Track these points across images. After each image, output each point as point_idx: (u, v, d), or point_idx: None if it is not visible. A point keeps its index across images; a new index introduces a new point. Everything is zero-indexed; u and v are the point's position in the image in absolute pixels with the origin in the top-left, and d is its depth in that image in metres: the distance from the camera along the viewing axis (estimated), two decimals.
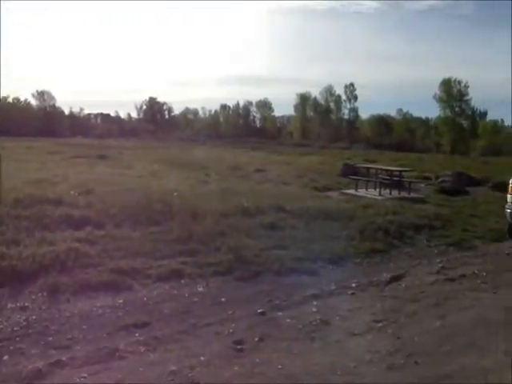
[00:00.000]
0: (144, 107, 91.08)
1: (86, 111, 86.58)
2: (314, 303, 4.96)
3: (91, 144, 35.01)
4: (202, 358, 3.65)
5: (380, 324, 4.48)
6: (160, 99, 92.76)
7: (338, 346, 4.00)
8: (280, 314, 4.67)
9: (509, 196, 8.58)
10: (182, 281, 5.44)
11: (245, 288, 5.34)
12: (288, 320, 4.51)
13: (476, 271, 6.46)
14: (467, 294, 5.53)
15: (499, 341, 4.24)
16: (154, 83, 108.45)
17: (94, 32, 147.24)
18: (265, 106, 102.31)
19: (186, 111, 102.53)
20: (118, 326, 4.29)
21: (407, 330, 4.39)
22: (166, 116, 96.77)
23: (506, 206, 8.58)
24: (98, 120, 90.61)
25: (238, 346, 3.91)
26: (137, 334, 4.11)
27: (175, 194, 9.31)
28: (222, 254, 6.16)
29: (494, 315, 4.86)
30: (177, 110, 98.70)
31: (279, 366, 3.60)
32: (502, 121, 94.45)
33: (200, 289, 5.28)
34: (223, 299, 4.99)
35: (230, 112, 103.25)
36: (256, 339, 4.05)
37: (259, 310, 4.70)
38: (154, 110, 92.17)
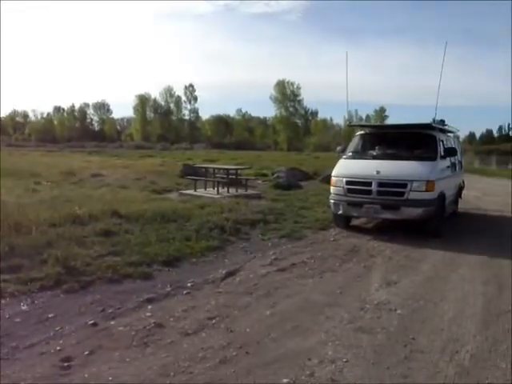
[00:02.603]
0: None
1: None
2: (149, 307, 4.87)
3: None
4: None
5: (214, 320, 4.56)
6: None
7: (171, 347, 3.98)
8: (113, 322, 4.49)
9: (332, 188, 9.36)
10: (3, 301, 4.94)
11: (75, 300, 5.03)
12: (121, 328, 4.36)
13: (305, 259, 6.93)
14: (296, 281, 5.91)
15: (321, 321, 4.61)
16: None
17: None
18: (102, 107, 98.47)
19: (14, 114, 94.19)
20: None
21: (240, 322, 4.54)
22: None
23: (330, 197, 9.36)
24: None
25: (66, 364, 3.66)
26: None
27: None
28: (49, 267, 5.72)
29: (318, 298, 5.28)
30: (2, 113, 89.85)
31: (110, 378, 3.46)
32: (331, 119, 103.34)
33: (24, 307, 4.84)
34: (51, 315, 4.64)
35: (65, 114, 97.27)
36: (86, 353, 3.84)
37: (90, 322, 4.47)
38: None
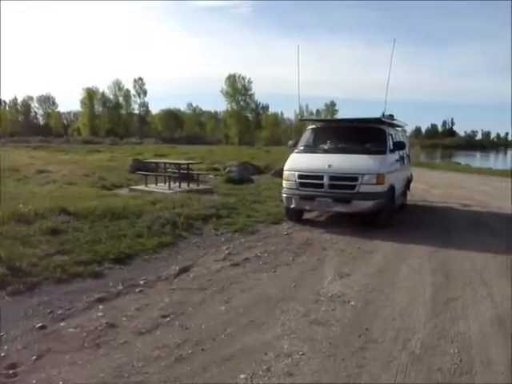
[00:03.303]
0: None
1: None
2: (100, 307, 4.73)
3: None
4: None
5: (168, 318, 4.48)
6: None
7: (125, 348, 3.87)
8: (62, 324, 4.33)
9: (284, 182, 9.41)
10: None
11: (21, 303, 4.81)
12: (71, 330, 4.20)
13: (259, 254, 6.94)
14: (250, 275, 5.90)
15: (277, 315, 4.61)
16: None
17: None
18: (47, 101, 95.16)
19: None
20: None
21: (194, 319, 4.48)
22: None
23: (282, 192, 9.41)
24: None
25: (11, 371, 3.49)
26: None
27: None
28: None
29: (273, 292, 5.29)
30: None
31: (60, 383, 3.33)
32: (282, 113, 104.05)
33: None
34: None
35: (7, 108, 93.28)
36: (34, 358, 3.68)
37: (38, 325, 4.28)
38: None
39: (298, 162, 9.42)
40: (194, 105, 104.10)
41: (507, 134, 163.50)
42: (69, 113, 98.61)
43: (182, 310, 4.68)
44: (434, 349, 3.95)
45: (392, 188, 9.20)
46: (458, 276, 6.06)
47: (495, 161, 61.85)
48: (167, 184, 13.21)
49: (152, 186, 13.29)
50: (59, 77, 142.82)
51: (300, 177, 9.03)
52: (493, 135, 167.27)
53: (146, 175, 13.84)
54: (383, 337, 4.15)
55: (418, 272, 6.22)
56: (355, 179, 8.56)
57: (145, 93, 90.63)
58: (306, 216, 9.97)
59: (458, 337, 4.19)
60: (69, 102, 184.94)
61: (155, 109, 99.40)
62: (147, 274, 5.77)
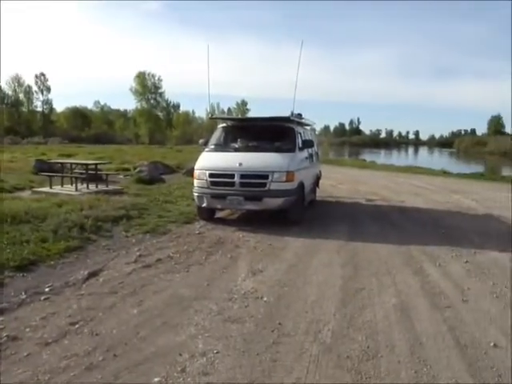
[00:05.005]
0: None
1: None
2: (0, 319, 4.41)
3: None
4: None
5: (77, 325, 4.28)
6: None
7: (29, 361, 3.63)
8: None
9: (195, 181, 9.35)
10: None
11: None
12: None
13: (171, 254, 6.84)
14: (162, 277, 5.80)
15: (191, 315, 4.57)
16: None
17: None
18: None
19: None
20: None
21: (105, 324, 4.32)
22: None
23: (194, 191, 9.35)
24: None
25: None
26: None
27: None
28: None
29: (186, 292, 5.23)
30: None
31: None
32: (193, 112, 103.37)
33: None
34: None
35: None
36: None
37: None
38: None
39: (209, 160, 9.40)
40: (102, 103, 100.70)
41: (408, 132, 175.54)
42: None
43: (91, 316, 4.49)
44: (344, 337, 4.12)
45: (302, 185, 9.46)
46: (365, 267, 6.36)
47: (398, 157, 65.75)
48: (74, 185, 12.62)
49: (57, 188, 12.63)
50: None
51: (211, 175, 9.02)
52: (395, 134, 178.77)
53: (50, 176, 13.12)
54: (296, 330, 4.26)
55: (328, 265, 6.44)
56: (266, 177, 8.69)
57: (48, 89, 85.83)
58: (218, 214, 9.99)
59: (365, 325, 4.40)
60: None
61: (60, 106, 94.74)
62: (53, 281, 5.47)
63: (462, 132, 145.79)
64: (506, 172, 32.30)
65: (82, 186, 12.74)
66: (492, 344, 4.04)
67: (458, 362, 3.72)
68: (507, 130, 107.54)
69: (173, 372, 3.47)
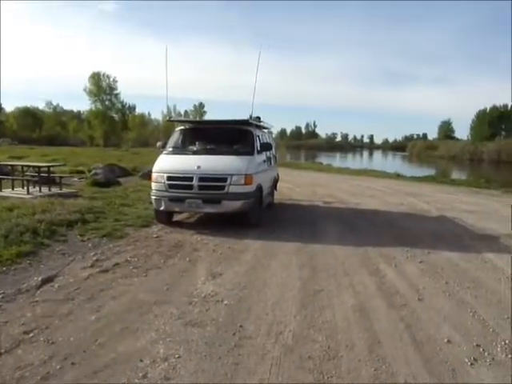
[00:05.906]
0: None
1: None
2: None
3: None
4: None
5: (31, 334, 4.14)
6: None
7: None
8: None
9: (153, 184, 9.23)
10: None
11: None
12: None
13: (128, 258, 6.72)
14: (120, 281, 5.68)
15: (151, 320, 4.51)
16: None
17: None
18: None
19: None
20: None
21: (62, 332, 4.19)
22: None
23: (152, 194, 9.22)
24: None
25: None
26: None
27: None
28: None
29: (145, 297, 5.16)
30: None
31: None
32: (149, 114, 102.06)
33: None
34: None
35: None
36: None
37: None
38: None
39: (167, 163, 9.30)
40: (55, 103, 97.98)
41: (362, 136, 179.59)
42: None
43: (47, 324, 4.35)
44: (305, 338, 4.16)
45: (260, 188, 9.50)
46: (323, 269, 6.44)
47: (353, 161, 67.07)
48: (25, 188, 12.23)
49: (7, 191, 12.22)
50: None
51: (169, 178, 8.93)
52: (350, 137, 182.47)
53: (0, 179, 12.67)
54: (257, 332, 4.27)
55: (287, 267, 6.49)
56: (224, 180, 8.68)
57: None
58: (176, 218, 9.90)
59: (325, 325, 4.46)
60: None
61: (9, 106, 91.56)
62: (5, 288, 5.26)
63: (415, 136, 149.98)
64: (455, 175, 33.61)
65: (35, 190, 12.38)
66: (446, 340, 4.19)
67: (415, 359, 3.83)
68: (456, 134, 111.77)
69: (134, 378, 3.42)
